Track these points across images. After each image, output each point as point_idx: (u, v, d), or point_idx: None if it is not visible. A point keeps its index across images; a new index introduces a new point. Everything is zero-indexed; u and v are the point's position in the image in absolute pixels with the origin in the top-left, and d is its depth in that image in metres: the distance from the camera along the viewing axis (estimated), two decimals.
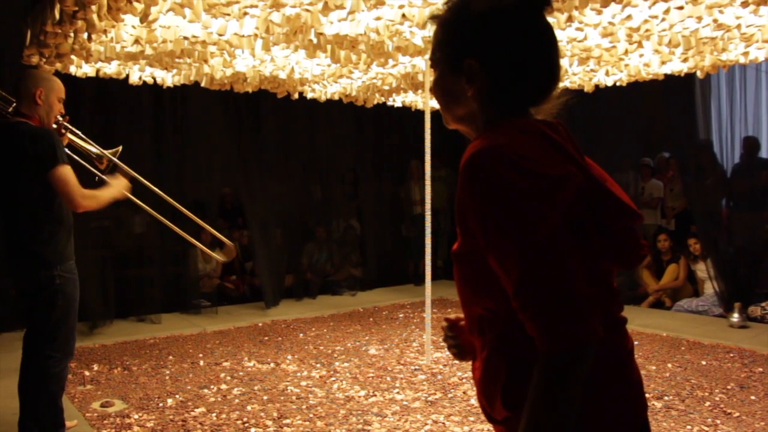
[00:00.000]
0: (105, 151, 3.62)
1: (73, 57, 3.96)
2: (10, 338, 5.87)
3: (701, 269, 7.03)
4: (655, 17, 3.70)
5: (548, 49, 1.21)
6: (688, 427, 3.77)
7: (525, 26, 1.18)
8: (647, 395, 4.27)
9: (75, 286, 3.29)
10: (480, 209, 1.07)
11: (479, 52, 1.19)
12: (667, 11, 3.61)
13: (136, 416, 4.00)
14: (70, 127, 3.47)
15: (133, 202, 3.74)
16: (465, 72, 1.20)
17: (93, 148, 3.62)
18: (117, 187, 3.45)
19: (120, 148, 3.68)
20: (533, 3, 1.18)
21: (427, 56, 4.63)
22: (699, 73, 5.13)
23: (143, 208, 3.93)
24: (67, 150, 3.49)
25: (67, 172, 3.14)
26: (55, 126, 3.34)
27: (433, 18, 1.29)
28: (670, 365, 5.00)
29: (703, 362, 5.06)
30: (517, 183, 1.04)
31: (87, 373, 4.89)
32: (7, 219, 3.23)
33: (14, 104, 3.33)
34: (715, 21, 3.81)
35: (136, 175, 3.83)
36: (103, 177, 3.52)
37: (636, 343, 5.59)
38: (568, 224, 1.06)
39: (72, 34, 3.38)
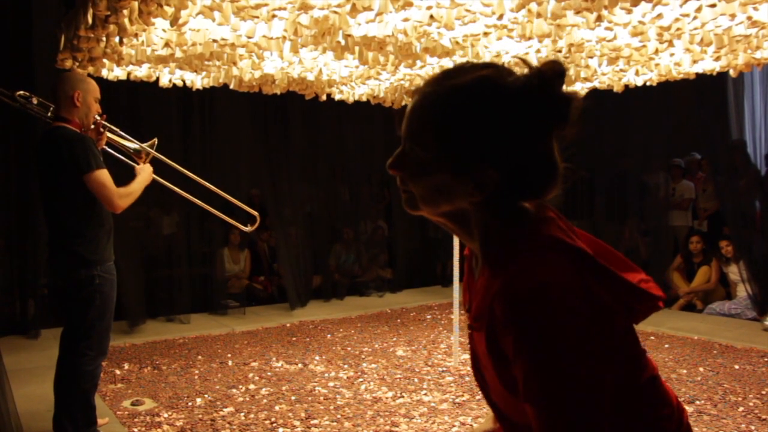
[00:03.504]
0: (143, 145, 3.71)
1: (105, 60, 4.02)
2: (45, 337, 6.00)
3: (734, 272, 6.91)
4: (687, 15, 3.64)
5: (556, 158, 1.10)
6: None
7: (548, 138, 1.07)
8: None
9: (113, 287, 3.36)
10: (521, 349, 0.99)
11: (499, 162, 1.04)
12: (699, 9, 3.55)
13: (165, 415, 4.04)
14: (109, 125, 3.55)
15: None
16: (474, 178, 1.05)
17: (131, 144, 3.71)
18: (144, 174, 3.53)
19: (155, 140, 3.78)
20: (559, 119, 1.06)
21: (454, 58, 4.62)
22: (732, 72, 5.04)
23: (174, 191, 4.06)
24: (106, 147, 3.58)
25: (102, 175, 3.22)
26: (93, 126, 3.41)
27: (425, 97, 1.09)
28: (701, 369, 4.92)
29: (736, 366, 4.97)
30: (567, 335, 0.97)
31: (118, 371, 4.96)
32: (51, 220, 3.32)
33: (52, 108, 3.42)
34: (749, 18, 3.73)
35: (174, 164, 4.01)
36: (135, 166, 3.62)
37: (666, 346, 5.53)
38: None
39: (104, 38, 3.43)
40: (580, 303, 0.99)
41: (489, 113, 1.04)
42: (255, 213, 4.36)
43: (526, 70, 1.06)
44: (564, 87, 1.04)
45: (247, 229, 4.38)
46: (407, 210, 1.16)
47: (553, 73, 1.03)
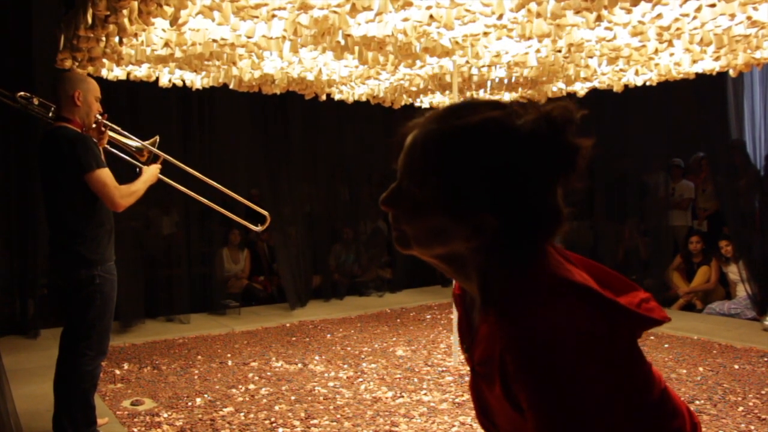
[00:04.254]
0: (144, 143, 3.71)
1: (104, 60, 4.02)
2: (44, 337, 6.00)
3: (733, 271, 6.91)
4: (686, 15, 3.65)
5: (559, 205, 1.06)
6: None
7: (554, 186, 1.03)
8: None
9: (113, 287, 3.36)
10: (534, 402, 0.96)
11: (501, 207, 1.00)
12: (698, 9, 3.56)
13: (165, 415, 4.04)
14: (110, 124, 3.55)
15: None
16: (472, 223, 1.01)
17: (133, 142, 3.71)
18: (149, 173, 3.54)
19: (157, 138, 3.78)
20: (567, 168, 1.02)
21: (454, 58, 4.62)
22: (732, 72, 5.04)
23: (181, 191, 4.08)
24: (108, 146, 3.58)
25: (104, 175, 3.22)
26: (94, 125, 3.42)
27: (429, 134, 1.04)
28: (701, 369, 4.92)
29: (736, 366, 4.97)
30: (578, 386, 0.95)
31: (117, 371, 4.96)
32: (52, 220, 3.32)
33: (53, 108, 3.42)
34: (748, 18, 3.74)
35: (177, 162, 4.02)
36: (142, 166, 3.63)
37: (666, 345, 5.54)
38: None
39: (104, 38, 3.44)
40: (590, 347, 0.96)
41: (496, 157, 0.99)
42: (265, 213, 4.36)
43: (534, 113, 1.02)
44: (573, 134, 1.01)
45: (258, 228, 4.38)
46: (398, 248, 1.11)
47: (563, 119, 1.00)
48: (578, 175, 1.03)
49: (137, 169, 3.60)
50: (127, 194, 3.33)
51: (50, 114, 3.46)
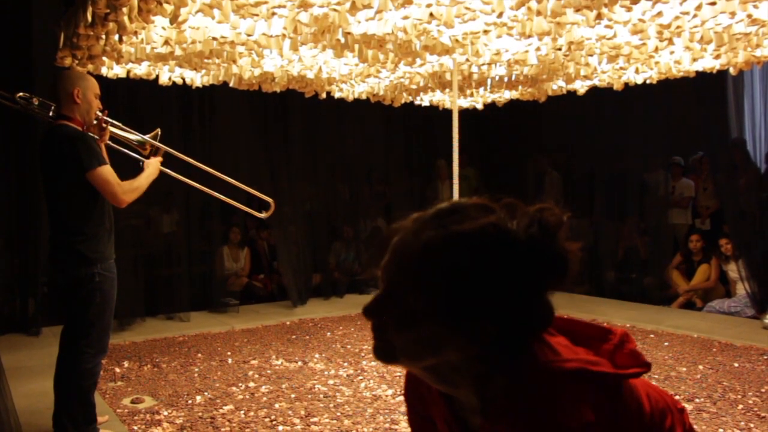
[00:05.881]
0: (146, 137, 3.72)
1: (104, 58, 4.02)
2: (45, 335, 6.00)
3: (733, 270, 6.91)
4: (687, 13, 3.64)
5: (551, 303, 1.05)
6: (720, 430, 3.71)
7: (548, 287, 1.02)
8: (677, 397, 4.22)
9: (113, 285, 3.37)
10: None
11: (499, 315, 0.97)
12: (699, 7, 3.55)
13: (165, 413, 4.05)
14: (110, 120, 3.55)
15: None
16: (470, 332, 0.97)
17: (134, 137, 3.72)
18: (150, 168, 3.55)
19: (158, 130, 3.79)
20: (560, 273, 1.01)
21: (454, 56, 4.62)
22: (732, 70, 5.04)
23: (184, 182, 4.13)
24: (110, 142, 3.59)
25: (106, 172, 3.23)
26: (95, 122, 3.42)
27: (422, 242, 0.99)
28: (701, 367, 4.92)
29: (736, 364, 4.98)
30: None
31: (117, 369, 4.96)
32: (53, 218, 3.33)
33: (53, 107, 3.42)
34: (749, 16, 3.74)
35: (179, 153, 4.04)
36: (144, 160, 3.64)
37: (666, 344, 5.54)
38: None
39: (103, 36, 3.43)
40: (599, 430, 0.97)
41: (498, 264, 0.96)
42: (269, 199, 4.37)
43: (525, 217, 1.01)
44: (563, 238, 1.01)
45: (262, 215, 4.40)
46: (379, 360, 1.04)
47: (555, 223, 1.00)
48: (570, 279, 1.02)
49: (140, 163, 3.61)
50: (129, 190, 3.35)
51: (50, 113, 3.46)
